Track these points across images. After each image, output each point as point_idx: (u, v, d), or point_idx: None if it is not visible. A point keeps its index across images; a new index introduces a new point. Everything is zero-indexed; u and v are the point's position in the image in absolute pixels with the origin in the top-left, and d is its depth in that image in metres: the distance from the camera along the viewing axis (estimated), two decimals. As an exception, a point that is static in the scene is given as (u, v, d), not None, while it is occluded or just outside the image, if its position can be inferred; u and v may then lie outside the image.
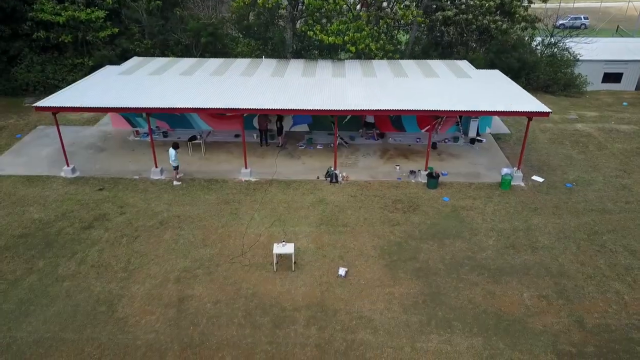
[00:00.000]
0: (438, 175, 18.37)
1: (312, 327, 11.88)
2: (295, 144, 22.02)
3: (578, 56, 32.56)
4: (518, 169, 18.77)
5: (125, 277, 13.53)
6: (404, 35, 35.24)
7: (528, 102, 18.06)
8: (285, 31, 29.18)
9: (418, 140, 22.52)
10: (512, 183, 18.43)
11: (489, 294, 13.00)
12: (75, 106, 17.45)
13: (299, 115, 23.07)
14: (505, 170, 18.61)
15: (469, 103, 17.91)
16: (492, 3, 28.92)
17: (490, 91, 19.66)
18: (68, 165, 19.13)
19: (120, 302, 12.64)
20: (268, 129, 21.61)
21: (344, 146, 21.74)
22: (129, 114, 23.22)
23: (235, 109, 17.59)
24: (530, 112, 17.13)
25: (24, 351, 11.11)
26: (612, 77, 33.98)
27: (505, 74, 22.91)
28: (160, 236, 15.38)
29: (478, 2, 28.74)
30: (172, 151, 17.89)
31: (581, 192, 18.26)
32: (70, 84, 21.63)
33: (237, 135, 22.62)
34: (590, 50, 32.92)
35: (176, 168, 18.28)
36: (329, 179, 18.80)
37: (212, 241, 15.15)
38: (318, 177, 19.08)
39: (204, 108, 17.77)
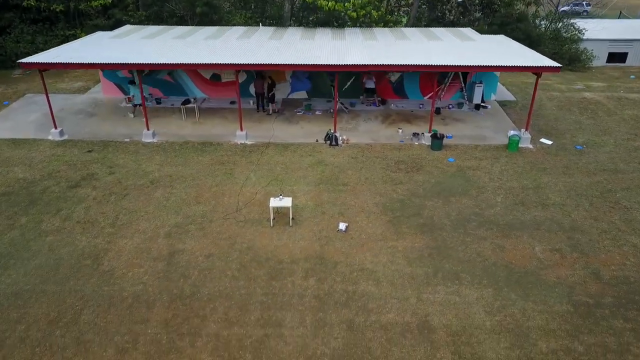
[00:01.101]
0: (442, 137, 17.59)
1: (310, 279, 11.14)
2: (293, 110, 21.20)
3: (583, 31, 31.72)
4: (526, 130, 17.99)
5: (112, 233, 12.77)
6: (404, 17, 34.36)
7: (537, 59, 17.26)
8: (283, 4, 28.34)
9: (421, 106, 21.72)
10: (520, 145, 17.66)
11: (499, 248, 12.26)
12: (62, 62, 16.62)
13: (296, 82, 22.27)
14: (512, 132, 17.86)
15: (475, 60, 17.10)
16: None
17: (496, 52, 18.83)
18: (56, 128, 18.34)
19: (107, 255, 11.89)
20: (265, 94, 20.76)
21: (344, 112, 20.94)
22: (120, 81, 22.40)
23: (231, 64, 16.75)
24: (539, 66, 16.32)
25: (1, 302, 10.35)
26: (617, 57, 33.13)
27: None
28: (151, 194, 14.62)
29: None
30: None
31: (592, 153, 17.50)
32: None
33: (232, 102, 21.80)
34: (595, 30, 32.08)
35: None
36: (328, 142, 18.02)
37: (206, 199, 14.39)
38: (317, 140, 18.30)
39: (198, 64, 16.92)
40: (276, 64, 16.93)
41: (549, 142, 18.17)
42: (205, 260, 11.74)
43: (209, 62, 16.77)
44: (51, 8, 26.95)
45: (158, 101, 21.92)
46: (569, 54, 31.28)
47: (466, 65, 16.73)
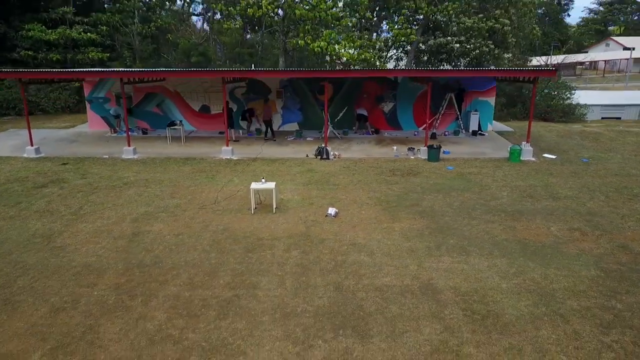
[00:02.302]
0: (440, 147, 16.76)
1: (293, 251, 9.66)
2: (285, 137, 20.59)
3: (575, 88, 32.24)
4: (527, 142, 17.21)
5: (72, 219, 11.41)
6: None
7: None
8: (278, 59, 29.16)
9: (416, 134, 21.17)
10: (522, 158, 16.78)
11: (509, 228, 10.87)
12: (43, 70, 16.26)
13: (287, 113, 21.95)
14: (513, 146, 17.06)
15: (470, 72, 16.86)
16: (483, 25, 29.12)
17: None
18: (32, 146, 17.53)
19: (61, 236, 10.46)
20: (271, 121, 20.22)
21: (337, 138, 20.33)
22: (108, 115, 22.03)
23: (220, 71, 16.39)
24: (536, 70, 15.99)
25: None
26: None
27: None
28: (122, 191, 13.45)
29: (470, 24, 28.94)
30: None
31: (600, 164, 16.59)
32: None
33: (221, 132, 21.26)
34: (587, 96, 32.69)
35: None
36: (319, 156, 17.15)
37: (182, 195, 13.20)
38: (307, 155, 17.45)
39: (187, 72, 16.58)
40: (269, 72, 16.62)
41: (553, 157, 17.31)
42: (173, 238, 10.31)
43: (198, 70, 16.45)
44: (48, 57, 27.52)
45: (144, 132, 21.38)
46: (562, 108, 31.45)
47: (463, 70, 16.39)
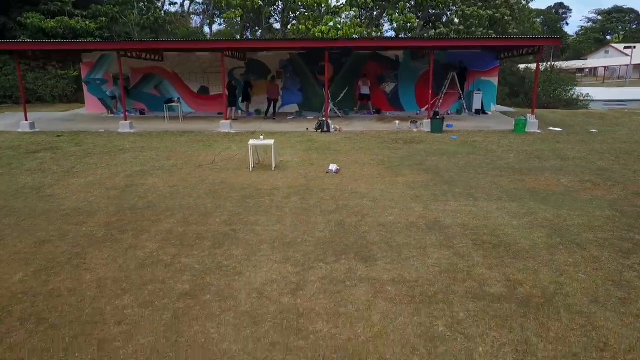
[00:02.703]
0: (443, 118, 16.41)
1: (293, 197, 9.27)
2: (285, 117, 20.27)
3: (576, 82, 32.00)
4: (532, 114, 16.85)
5: (64, 176, 11.04)
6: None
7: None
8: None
9: (418, 112, 20.82)
10: (528, 130, 16.41)
11: (517, 180, 10.48)
12: (37, 41, 15.98)
13: (287, 94, 21.65)
14: (518, 117, 16.70)
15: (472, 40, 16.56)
16: (484, 14, 28.97)
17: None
18: (26, 120, 17.20)
19: (51, 187, 10.08)
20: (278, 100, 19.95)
21: (338, 116, 19.99)
22: (104, 96, 21.75)
23: (219, 45, 16.10)
24: (539, 38, 15.69)
25: None
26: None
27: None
28: (118, 155, 13.10)
29: (469, 13, 28.78)
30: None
31: (608, 134, 16.22)
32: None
33: (219, 113, 20.93)
34: (589, 91, 32.48)
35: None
36: (319, 130, 16.80)
37: (178, 157, 12.85)
38: (307, 129, 17.10)
39: (185, 42, 16.30)
40: (270, 42, 16.33)
41: (559, 129, 16.95)
42: (168, 189, 9.92)
43: (196, 41, 16.18)
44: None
45: (142, 112, 21.08)
46: (565, 97, 31.20)
47: (465, 39, 16.07)
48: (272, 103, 19.60)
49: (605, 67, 69.67)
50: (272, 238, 7.23)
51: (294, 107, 21.80)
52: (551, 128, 17.16)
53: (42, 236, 7.36)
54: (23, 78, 27.53)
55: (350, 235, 7.30)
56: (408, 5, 29.77)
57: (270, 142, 11.33)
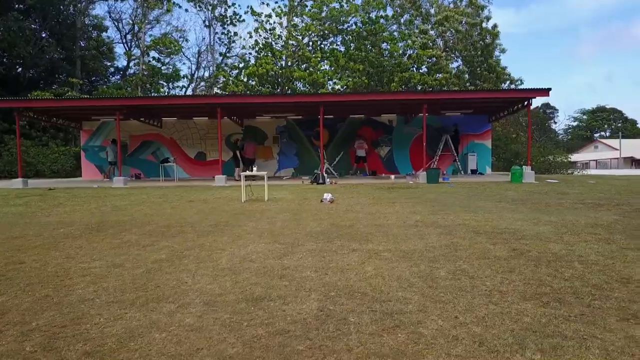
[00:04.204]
0: (439, 169, 16.43)
1: (284, 214, 8.94)
2: (280, 178, 20.29)
3: (571, 154, 32.58)
4: (528, 165, 16.91)
5: (49, 207, 10.73)
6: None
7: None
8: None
9: (414, 174, 20.89)
10: (524, 180, 16.34)
11: (520, 204, 10.19)
12: (40, 98, 16.48)
13: (283, 158, 21.93)
14: (514, 167, 16.75)
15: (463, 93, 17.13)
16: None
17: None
18: (20, 177, 17.17)
19: (35, 215, 9.74)
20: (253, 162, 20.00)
21: (334, 176, 20.06)
22: (101, 162, 21.96)
23: (210, 99, 16.64)
24: (528, 90, 16.23)
25: None
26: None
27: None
28: (107, 198, 12.85)
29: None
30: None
31: (605, 184, 16.13)
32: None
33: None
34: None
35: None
36: (314, 182, 16.75)
37: (170, 197, 12.59)
38: (303, 181, 17.04)
39: (179, 97, 16.81)
40: (257, 100, 16.86)
41: (556, 181, 16.91)
42: (155, 211, 9.60)
43: (189, 95, 16.69)
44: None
45: (137, 177, 21.14)
46: (561, 164, 31.24)
47: (457, 91, 16.60)
48: (249, 164, 19.15)
49: (596, 160, 71.66)
50: (260, 231, 6.85)
51: (290, 171, 21.95)
52: (549, 180, 17.12)
53: (17, 233, 6.95)
54: (25, 153, 28.15)
55: (344, 230, 6.91)
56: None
57: (263, 173, 11.20)
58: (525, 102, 16.83)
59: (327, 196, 10.93)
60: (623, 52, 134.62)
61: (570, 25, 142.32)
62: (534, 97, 16.40)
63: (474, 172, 20.77)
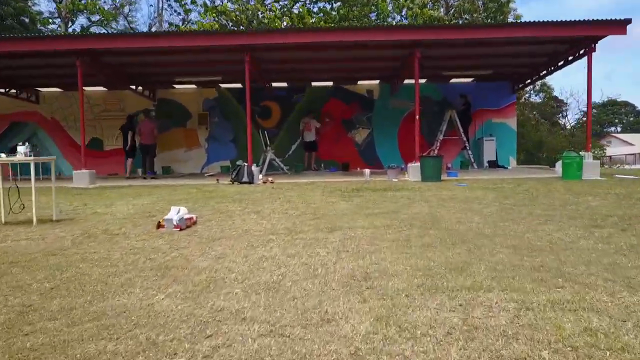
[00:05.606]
0: (442, 156, 10.19)
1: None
2: (203, 174, 13.97)
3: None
4: (587, 151, 10.64)
5: None
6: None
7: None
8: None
9: (403, 168, 14.57)
10: (584, 176, 10.01)
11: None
12: None
13: (216, 146, 15.59)
14: (567, 153, 10.46)
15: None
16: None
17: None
18: None
19: None
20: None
21: (285, 173, 13.77)
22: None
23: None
24: (601, 21, 9.90)
25: None
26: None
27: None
28: None
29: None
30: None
31: None
32: None
33: (113, 174, 14.63)
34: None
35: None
36: (235, 180, 10.45)
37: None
38: (218, 180, 10.79)
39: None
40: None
41: (632, 177, 10.64)
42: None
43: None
44: None
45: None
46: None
47: (477, 26, 10.24)
48: (146, 151, 13.32)
49: (610, 156, 67.08)
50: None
51: (225, 164, 15.51)
52: (618, 176, 10.88)
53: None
54: None
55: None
56: None
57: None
58: (586, 48, 10.52)
59: (175, 216, 4.57)
60: (623, 52, 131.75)
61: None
62: (604, 36, 10.10)
63: (492, 164, 14.49)
